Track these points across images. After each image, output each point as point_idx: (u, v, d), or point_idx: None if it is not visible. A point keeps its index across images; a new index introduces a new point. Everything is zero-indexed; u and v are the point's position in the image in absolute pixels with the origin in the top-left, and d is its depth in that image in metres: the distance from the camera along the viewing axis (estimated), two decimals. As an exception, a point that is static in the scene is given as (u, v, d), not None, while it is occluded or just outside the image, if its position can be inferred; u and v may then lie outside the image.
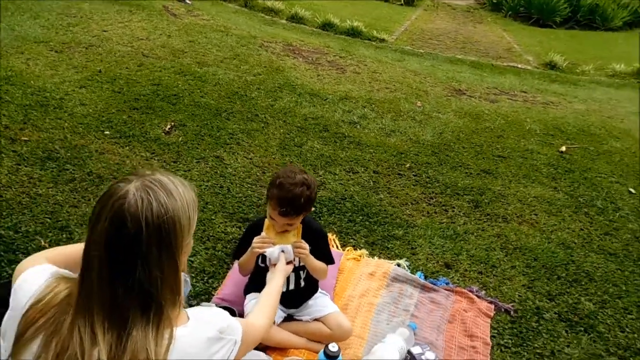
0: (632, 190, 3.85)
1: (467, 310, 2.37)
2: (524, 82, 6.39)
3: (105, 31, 4.96)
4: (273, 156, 3.38)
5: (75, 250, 1.20)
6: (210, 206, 2.76)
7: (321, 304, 2.07)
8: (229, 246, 2.50)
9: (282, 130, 3.72)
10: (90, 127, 3.23)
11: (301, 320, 2.06)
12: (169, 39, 4.97)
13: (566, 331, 2.39)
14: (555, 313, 2.48)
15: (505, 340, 2.28)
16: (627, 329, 2.47)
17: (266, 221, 1.94)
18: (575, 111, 5.45)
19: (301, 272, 2.04)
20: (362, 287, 2.40)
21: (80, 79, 3.85)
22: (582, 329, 2.42)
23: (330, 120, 4.03)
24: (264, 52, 5.21)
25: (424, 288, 2.46)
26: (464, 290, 2.48)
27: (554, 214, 3.36)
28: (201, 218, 2.64)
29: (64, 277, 1.09)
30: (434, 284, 2.50)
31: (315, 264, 1.97)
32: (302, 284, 2.06)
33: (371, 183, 3.32)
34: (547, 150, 4.28)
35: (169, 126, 3.42)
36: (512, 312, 2.44)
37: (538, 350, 2.25)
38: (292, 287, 2.05)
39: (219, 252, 2.46)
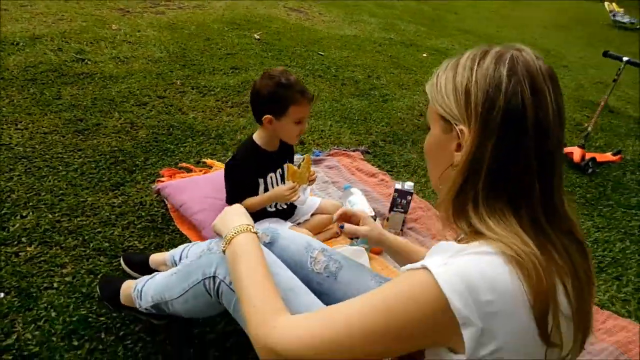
0: (322, 53, 4.85)
1: (352, 162, 2.80)
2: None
3: None
4: (57, 117, 2.58)
5: None
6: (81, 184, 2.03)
7: (309, 201, 2.08)
8: (139, 223, 2.01)
9: (28, 92, 2.78)
10: None
11: (300, 222, 2.04)
12: None
13: (397, 147, 3.16)
14: (382, 141, 3.21)
15: (383, 167, 2.87)
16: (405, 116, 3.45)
17: (290, 167, 1.84)
18: (225, 8, 5.96)
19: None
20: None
21: None
22: (397, 140, 3.24)
23: (53, 63, 3.21)
24: None
25: (317, 162, 2.70)
26: (336, 150, 2.87)
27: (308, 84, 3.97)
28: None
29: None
30: (318, 155, 2.77)
31: None
32: None
33: (172, 109, 3.04)
34: (249, 40, 4.74)
35: None
36: (368, 150, 3.02)
37: (396, 160, 2.95)
38: (285, 205, 1.97)
39: (143, 223, 1.96)
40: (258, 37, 4.89)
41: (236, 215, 1.17)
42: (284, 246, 1.29)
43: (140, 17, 4.83)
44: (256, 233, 1.12)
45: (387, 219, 2.24)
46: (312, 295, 1.15)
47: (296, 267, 1.24)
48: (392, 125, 3.48)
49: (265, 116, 1.75)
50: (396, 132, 3.38)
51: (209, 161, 2.52)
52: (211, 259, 1.20)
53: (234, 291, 1.13)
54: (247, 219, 1.15)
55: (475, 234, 0.79)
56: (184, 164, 2.44)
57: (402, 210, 2.20)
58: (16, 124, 2.47)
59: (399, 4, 9.10)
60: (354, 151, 2.94)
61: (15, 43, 3.39)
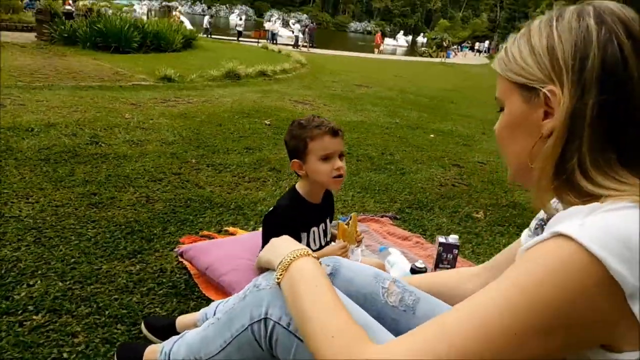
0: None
1: (382, 227, 2.63)
2: (166, 93, 6.55)
3: None
4: (70, 192, 2.45)
5: None
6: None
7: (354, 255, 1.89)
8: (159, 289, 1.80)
9: (41, 170, 2.69)
10: None
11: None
12: None
13: (424, 213, 3.00)
14: (408, 208, 3.06)
15: (414, 231, 2.68)
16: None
17: (341, 226, 1.76)
18: (233, 102, 6.14)
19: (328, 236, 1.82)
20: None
21: None
22: (423, 206, 3.09)
23: (67, 145, 3.16)
24: None
25: (345, 226, 2.53)
26: (363, 217, 2.71)
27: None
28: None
29: None
30: (344, 221, 2.60)
31: None
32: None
33: (188, 184, 2.93)
34: (260, 125, 4.78)
35: None
36: (396, 216, 2.86)
37: (427, 224, 2.77)
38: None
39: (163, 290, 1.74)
40: (268, 122, 4.95)
41: (288, 242, 0.99)
42: (349, 278, 1.08)
43: (152, 109, 4.92)
44: (317, 258, 0.93)
45: (433, 278, 2.02)
46: (390, 333, 0.93)
47: (366, 302, 1.02)
48: (415, 194, 3.35)
49: (293, 161, 1.66)
50: (420, 199, 3.24)
51: (231, 229, 2.35)
52: (260, 297, 0.98)
53: (293, 334, 0.91)
54: (301, 246, 0.97)
55: (594, 200, 0.64)
56: (205, 232, 2.26)
57: (449, 266, 1.99)
58: (27, 198, 2.33)
59: (399, 96, 9.46)
60: (381, 217, 2.78)
61: (30, 129, 3.37)
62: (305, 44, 23.81)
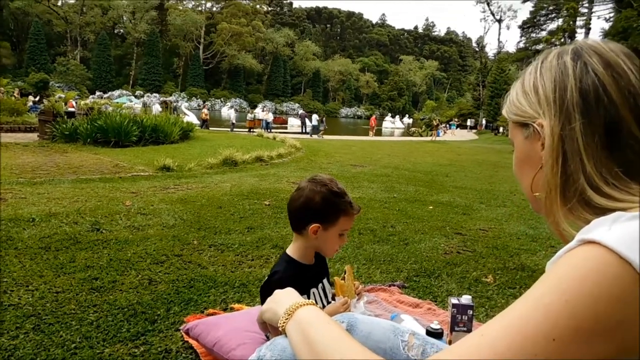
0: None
1: (391, 296, 2.56)
2: (166, 181, 6.65)
3: None
4: (72, 278, 2.40)
5: None
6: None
7: (357, 308, 1.82)
8: None
9: (41, 258, 2.65)
10: None
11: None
12: None
13: (432, 280, 2.94)
14: (416, 276, 3.00)
15: (424, 298, 2.61)
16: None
17: (337, 281, 1.70)
18: (232, 186, 6.22)
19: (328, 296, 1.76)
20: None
21: None
22: (431, 274, 3.03)
23: (68, 233, 3.15)
24: None
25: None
26: (372, 287, 2.65)
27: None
28: (91, 355, 1.67)
29: None
30: (353, 292, 2.53)
31: None
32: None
33: (191, 265, 2.89)
34: (260, 206, 4.80)
35: None
36: (404, 284, 2.79)
37: (436, 291, 2.70)
38: None
39: None
40: (268, 203, 4.99)
41: (291, 294, 0.96)
42: (366, 332, 1.04)
43: (152, 196, 4.97)
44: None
45: (449, 343, 1.93)
46: None
47: (386, 356, 0.97)
48: (421, 263, 3.30)
49: (312, 225, 1.59)
50: (426, 267, 3.19)
51: (237, 306, 2.28)
52: None
53: None
54: (305, 300, 0.94)
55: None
56: (210, 310, 2.19)
57: (465, 329, 1.91)
58: (27, 286, 2.28)
59: (394, 173, 9.62)
60: (389, 286, 2.71)
61: (31, 220, 3.38)
62: (323, 130, 24.73)
